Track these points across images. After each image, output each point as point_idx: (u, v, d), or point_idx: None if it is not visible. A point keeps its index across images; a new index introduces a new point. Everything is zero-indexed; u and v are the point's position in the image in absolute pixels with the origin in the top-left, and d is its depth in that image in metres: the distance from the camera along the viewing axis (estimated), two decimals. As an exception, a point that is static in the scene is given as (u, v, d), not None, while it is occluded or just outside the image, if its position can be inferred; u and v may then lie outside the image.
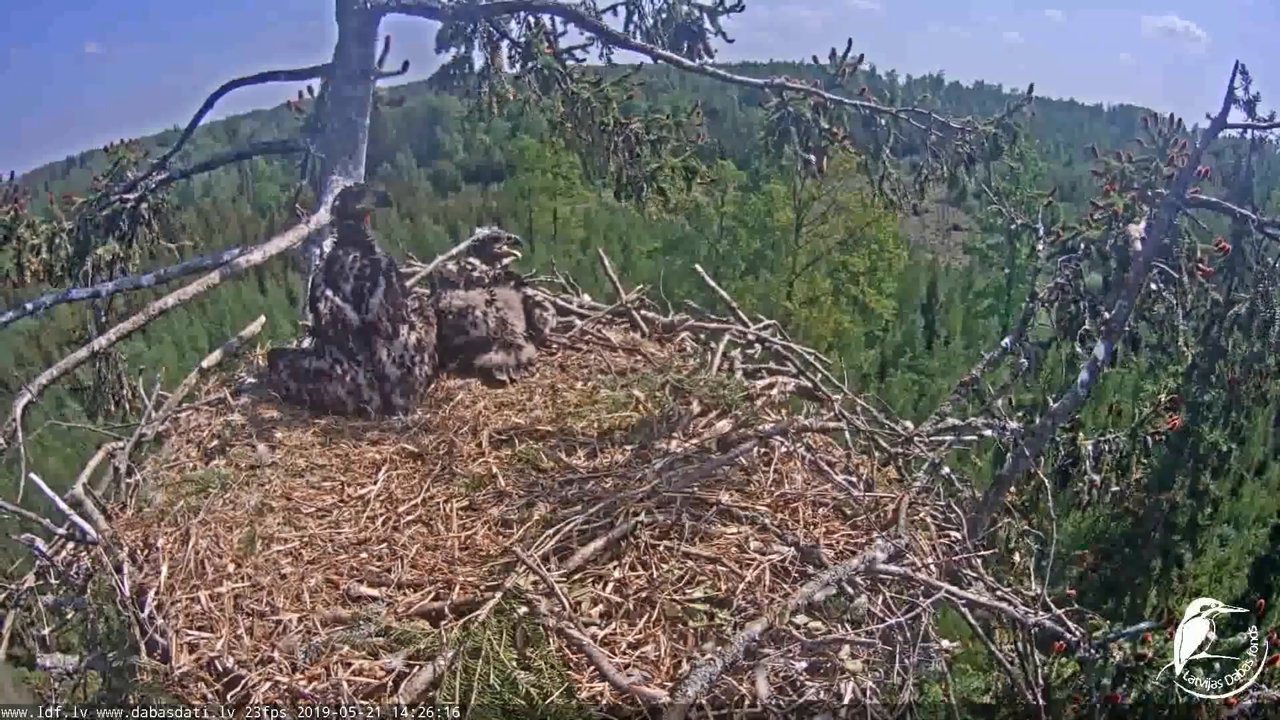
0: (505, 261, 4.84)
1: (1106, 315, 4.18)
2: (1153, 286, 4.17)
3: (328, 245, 5.41)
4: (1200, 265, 4.27)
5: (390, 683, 2.58)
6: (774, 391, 4.38)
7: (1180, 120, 4.57)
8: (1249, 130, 3.89)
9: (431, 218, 50.09)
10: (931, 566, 3.28)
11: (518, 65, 5.67)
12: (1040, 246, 4.69)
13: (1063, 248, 4.67)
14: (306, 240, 5.51)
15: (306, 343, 4.87)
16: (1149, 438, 4.54)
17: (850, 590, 2.99)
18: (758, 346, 4.81)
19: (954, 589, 3.15)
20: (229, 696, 2.63)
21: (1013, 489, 4.31)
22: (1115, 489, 4.53)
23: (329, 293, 4.26)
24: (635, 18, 5.64)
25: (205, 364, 4.70)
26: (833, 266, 34.28)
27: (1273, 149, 4.00)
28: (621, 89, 5.84)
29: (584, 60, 5.78)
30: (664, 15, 5.63)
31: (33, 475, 3.48)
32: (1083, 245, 4.58)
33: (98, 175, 6.03)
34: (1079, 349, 4.55)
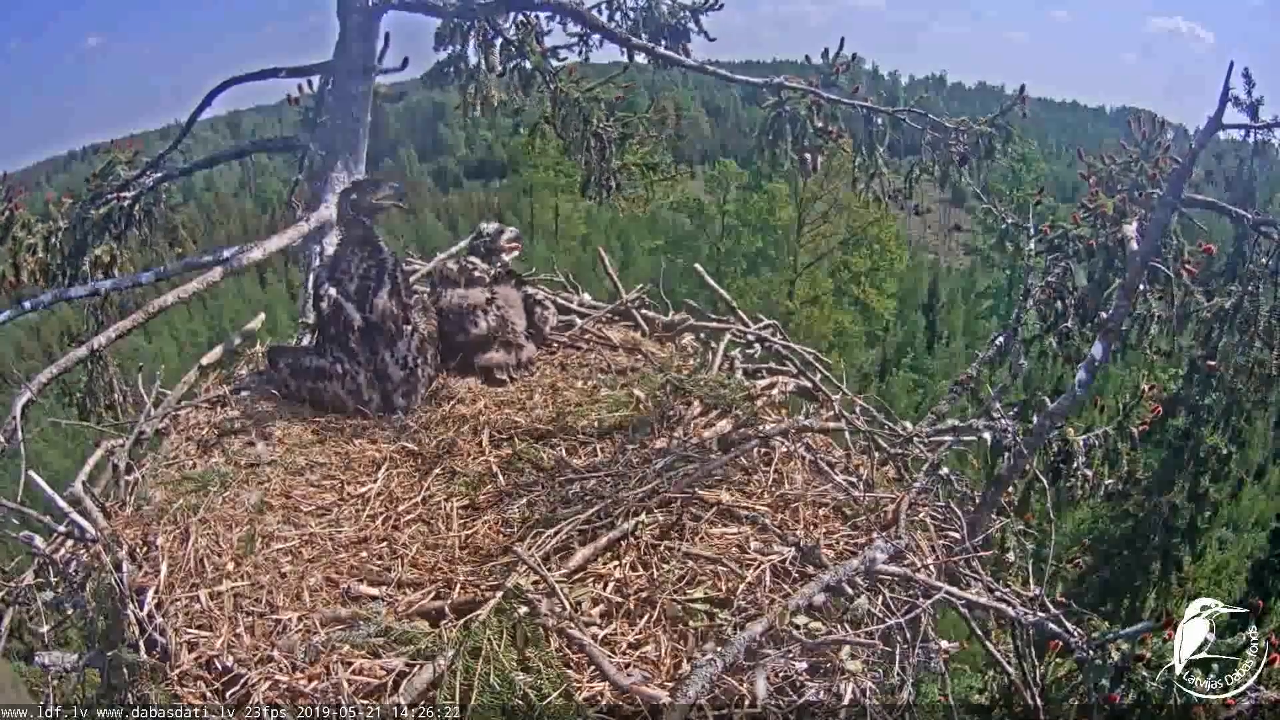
0: (506, 259, 4.83)
1: (1103, 315, 4.19)
2: (1139, 285, 4.18)
3: (329, 242, 5.40)
4: (1187, 266, 4.28)
5: (390, 682, 2.58)
6: (774, 391, 4.38)
7: (1164, 121, 4.58)
8: (1250, 133, 3.89)
9: (434, 214, 50.13)
10: (931, 567, 3.29)
11: (506, 64, 5.67)
12: (1031, 245, 4.70)
13: (1050, 246, 4.68)
14: (307, 237, 5.50)
15: (306, 340, 4.87)
16: (1135, 429, 4.54)
17: (850, 591, 2.99)
18: (758, 346, 4.81)
19: (953, 589, 3.15)
20: (228, 695, 2.64)
21: (1008, 489, 4.31)
22: (1108, 482, 4.54)
23: (332, 291, 4.25)
24: (617, 16, 5.64)
25: (205, 361, 4.68)
26: (834, 266, 34.32)
27: (1275, 153, 4.00)
28: (611, 89, 5.84)
29: (566, 60, 5.79)
30: (645, 14, 5.63)
31: (31, 473, 3.47)
32: (1070, 244, 4.60)
33: (90, 175, 6.01)
34: (1056, 345, 4.56)
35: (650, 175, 6.13)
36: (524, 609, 2.72)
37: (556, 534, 3.11)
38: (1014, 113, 5.57)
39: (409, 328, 4.31)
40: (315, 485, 3.65)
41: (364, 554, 3.22)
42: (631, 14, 5.64)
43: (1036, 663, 3.35)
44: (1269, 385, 4.24)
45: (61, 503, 3.38)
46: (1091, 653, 3.16)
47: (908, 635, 2.96)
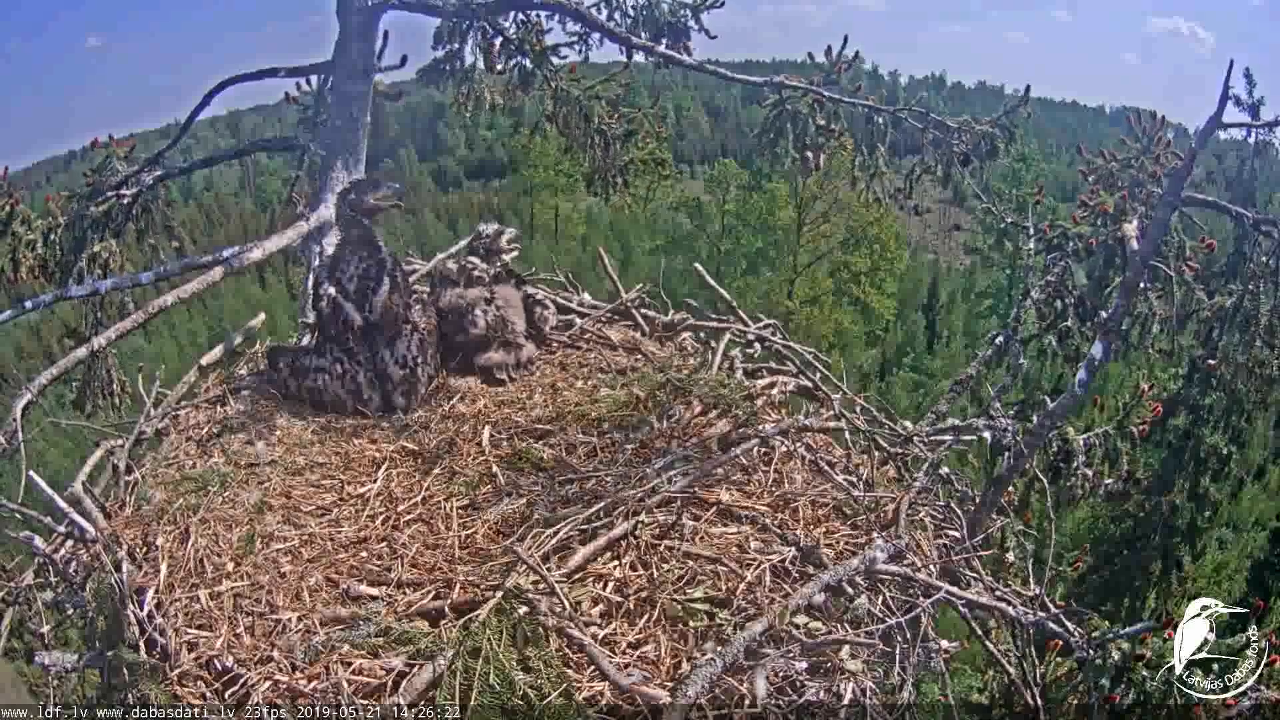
0: (506, 258, 4.83)
1: (1103, 314, 4.19)
2: (1140, 284, 4.18)
3: (329, 242, 5.40)
4: (1189, 263, 4.28)
5: (390, 682, 2.58)
6: (774, 391, 4.38)
7: (1164, 117, 4.57)
8: (1251, 132, 3.89)
9: (434, 214, 50.14)
10: (931, 567, 3.29)
11: (506, 62, 5.67)
12: (1031, 244, 4.70)
13: (1049, 245, 4.67)
14: (306, 237, 5.49)
15: (306, 340, 4.86)
16: (1135, 429, 4.54)
17: (850, 590, 2.99)
18: (758, 346, 4.81)
19: (953, 589, 3.15)
20: (228, 695, 2.64)
21: (1008, 488, 4.31)
22: (1108, 482, 4.53)
23: (332, 291, 4.25)
24: (616, 15, 5.63)
25: (204, 361, 4.68)
26: (834, 266, 34.33)
27: (1275, 153, 3.99)
28: (612, 86, 5.84)
29: (567, 58, 5.79)
30: (645, 13, 5.62)
31: (32, 473, 3.47)
32: (1070, 243, 4.59)
33: (87, 171, 6.00)
34: (1057, 344, 4.56)
35: (657, 170, 6.14)
36: (524, 609, 2.72)
37: (556, 534, 3.10)
38: (1018, 113, 5.55)
39: (409, 327, 4.30)
40: (315, 485, 3.65)
41: (364, 554, 3.22)
42: (631, 12, 5.63)
43: (1036, 662, 3.35)
44: (1270, 385, 4.24)
45: (61, 503, 3.38)
46: (1092, 652, 3.16)
47: (908, 635, 2.95)
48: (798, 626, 2.77)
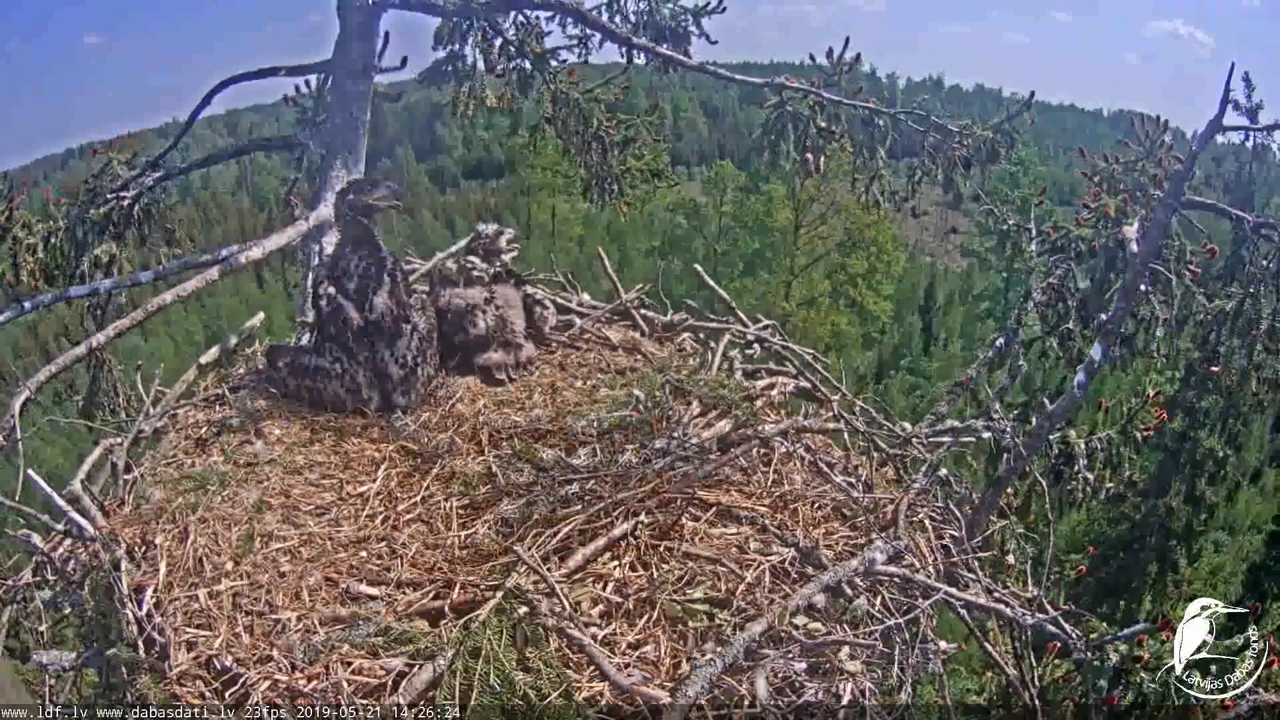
0: (505, 258, 4.83)
1: (1103, 317, 4.20)
2: (1141, 287, 4.18)
3: (328, 241, 5.39)
4: (1190, 267, 4.29)
5: (390, 682, 2.58)
6: (774, 392, 4.38)
7: (1167, 121, 4.58)
8: (1249, 136, 3.90)
9: (431, 213, 50.13)
10: (930, 568, 3.29)
11: (506, 64, 5.67)
12: (1033, 246, 4.70)
13: (1053, 247, 4.68)
14: (306, 236, 5.49)
15: (305, 339, 4.86)
16: (1139, 434, 4.55)
17: (849, 591, 2.99)
18: (757, 346, 4.81)
19: (952, 590, 3.15)
20: (227, 695, 2.63)
21: (1008, 490, 4.32)
22: (1109, 486, 4.54)
23: (331, 290, 4.24)
24: (617, 19, 5.63)
25: (203, 360, 4.67)
26: (831, 268, 34.37)
27: (1274, 157, 4.01)
28: (610, 89, 5.84)
29: (566, 61, 5.78)
30: (645, 16, 5.62)
31: (30, 471, 3.46)
32: (1073, 245, 4.60)
33: (89, 178, 5.98)
34: (1058, 347, 4.57)
35: (654, 181, 6.13)
36: (524, 609, 2.72)
37: (556, 534, 3.10)
38: (1021, 118, 5.54)
39: (408, 327, 4.30)
40: (314, 484, 3.64)
41: (363, 553, 3.21)
42: (633, 17, 5.63)
43: (1034, 663, 3.36)
44: (1272, 390, 4.25)
45: (60, 501, 3.37)
46: (1090, 654, 3.17)
47: (906, 636, 2.96)
48: (797, 627, 2.77)
